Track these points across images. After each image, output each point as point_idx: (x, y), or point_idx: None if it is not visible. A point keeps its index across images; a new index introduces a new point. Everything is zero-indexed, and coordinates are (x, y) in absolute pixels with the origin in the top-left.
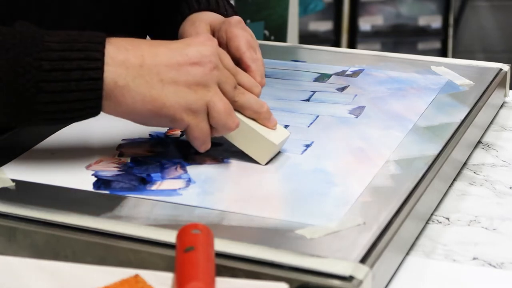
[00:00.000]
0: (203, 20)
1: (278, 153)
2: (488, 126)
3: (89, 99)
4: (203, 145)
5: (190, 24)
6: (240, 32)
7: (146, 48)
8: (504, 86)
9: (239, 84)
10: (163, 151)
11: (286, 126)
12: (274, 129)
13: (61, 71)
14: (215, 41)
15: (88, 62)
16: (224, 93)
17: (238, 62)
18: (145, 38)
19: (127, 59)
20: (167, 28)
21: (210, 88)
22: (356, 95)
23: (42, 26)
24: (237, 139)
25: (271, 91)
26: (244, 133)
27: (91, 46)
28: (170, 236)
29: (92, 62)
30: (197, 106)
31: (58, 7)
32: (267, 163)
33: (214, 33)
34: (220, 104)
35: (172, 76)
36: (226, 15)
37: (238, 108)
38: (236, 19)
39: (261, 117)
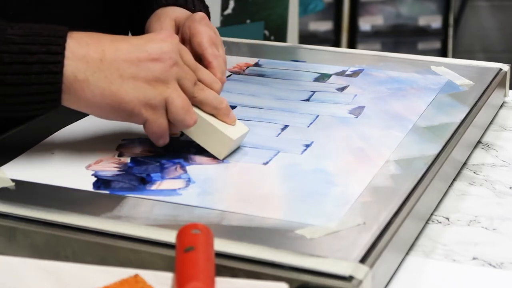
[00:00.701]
0: (168, 16)
1: (278, 153)
2: (488, 126)
3: (49, 92)
4: (161, 140)
5: (156, 19)
6: (203, 28)
7: (107, 43)
8: (504, 86)
9: (199, 81)
10: (163, 151)
11: (286, 126)
12: (233, 125)
13: (22, 64)
14: (176, 37)
15: (48, 55)
16: (183, 89)
17: (200, 58)
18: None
19: (87, 54)
20: (142, 23)
21: (169, 84)
22: (356, 95)
23: (29, 18)
24: (196, 134)
25: (271, 91)
26: (203, 128)
27: (52, 40)
28: (170, 236)
29: (52, 56)
30: (155, 101)
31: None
32: (224, 158)
33: (178, 28)
34: (178, 100)
35: (132, 71)
36: (193, 10)
37: (197, 104)
38: (200, 15)
39: (220, 113)
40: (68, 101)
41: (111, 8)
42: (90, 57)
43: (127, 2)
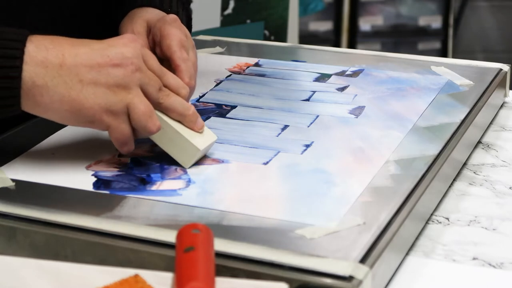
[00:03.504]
0: (141, 17)
1: (278, 153)
2: (488, 126)
3: (6, 97)
4: (125, 147)
5: (129, 21)
6: (174, 30)
7: (67, 48)
8: (504, 86)
9: (166, 86)
10: (163, 152)
11: (286, 126)
12: (200, 133)
13: None
14: (139, 42)
15: (5, 60)
16: (147, 95)
17: (169, 61)
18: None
19: (46, 59)
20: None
21: (131, 90)
22: (356, 95)
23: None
24: (162, 141)
25: (271, 91)
26: (169, 135)
27: (10, 44)
28: (170, 236)
29: (10, 60)
30: (117, 107)
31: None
32: (190, 167)
33: (150, 30)
34: (140, 106)
35: (92, 77)
36: (169, 12)
37: (163, 110)
38: (171, 17)
39: (187, 120)
40: (27, 107)
41: (87, 4)
42: (50, 62)
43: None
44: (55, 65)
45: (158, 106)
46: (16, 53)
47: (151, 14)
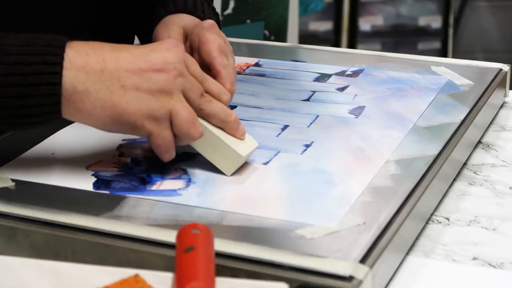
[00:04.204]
0: (176, 23)
1: (278, 153)
2: (488, 126)
3: (47, 104)
4: (167, 154)
5: (163, 27)
6: (213, 36)
7: (107, 53)
8: (504, 86)
9: (207, 92)
10: None
11: (286, 126)
12: (242, 139)
13: (17, 75)
14: (181, 47)
15: (45, 66)
16: (189, 101)
17: (209, 68)
18: (133, 38)
19: (87, 64)
20: (150, 29)
21: (173, 95)
22: (356, 95)
23: (24, 25)
24: (203, 148)
25: (271, 91)
26: (210, 142)
27: (49, 50)
28: (170, 236)
29: (49, 67)
30: (159, 113)
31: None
32: (232, 174)
33: (187, 36)
34: (183, 112)
35: (134, 82)
36: (203, 18)
37: (204, 116)
38: (209, 22)
39: (229, 127)
40: (67, 113)
41: (106, 11)
42: (90, 67)
43: (122, 6)
44: (96, 71)
45: (199, 112)
46: (56, 59)
47: (186, 20)
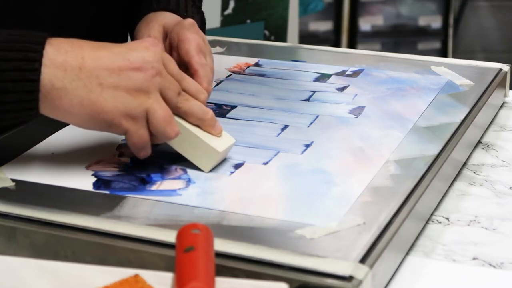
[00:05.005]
0: (157, 21)
1: (278, 153)
2: (488, 126)
3: (25, 100)
4: (142, 151)
5: (145, 25)
6: (192, 35)
7: (87, 51)
8: (504, 86)
9: (184, 90)
10: (162, 152)
11: (286, 126)
12: (219, 136)
13: None
14: (160, 46)
15: (25, 63)
16: (166, 99)
17: (187, 66)
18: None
19: (66, 61)
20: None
21: (150, 94)
22: (356, 95)
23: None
24: (180, 146)
25: (271, 91)
26: (187, 140)
27: (29, 47)
28: (170, 236)
29: (29, 63)
30: (136, 112)
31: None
32: (210, 171)
33: (167, 34)
34: (159, 112)
35: (112, 80)
36: (185, 16)
37: (182, 114)
38: (189, 21)
39: (206, 124)
40: (45, 110)
41: (103, 10)
42: (69, 65)
43: (121, 5)
44: (74, 68)
45: (177, 110)
46: (36, 56)
47: (167, 18)
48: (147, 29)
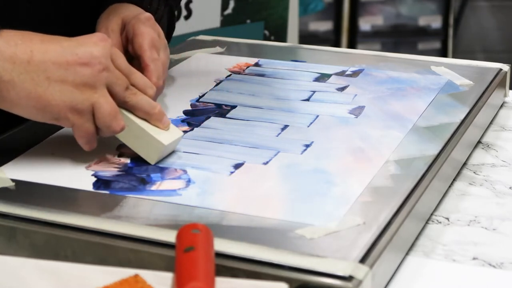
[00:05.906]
0: (117, 14)
1: (277, 153)
2: (488, 126)
3: None
4: (88, 144)
5: (105, 17)
6: (147, 30)
7: (36, 44)
8: (504, 86)
9: (133, 85)
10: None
11: (286, 126)
12: (166, 130)
13: None
14: (108, 41)
15: None
16: (113, 94)
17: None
18: None
19: (14, 54)
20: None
21: (97, 89)
22: (356, 95)
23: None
24: (127, 139)
25: (271, 91)
26: (134, 133)
27: None
28: (170, 236)
29: None
30: (82, 106)
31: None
32: (157, 163)
33: (124, 27)
34: (105, 107)
35: (60, 74)
36: (149, 9)
37: (129, 108)
38: (146, 15)
39: (153, 118)
40: None
41: (79, 5)
42: (18, 58)
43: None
44: (23, 61)
45: (124, 104)
46: None
47: (128, 11)
48: (106, 21)
